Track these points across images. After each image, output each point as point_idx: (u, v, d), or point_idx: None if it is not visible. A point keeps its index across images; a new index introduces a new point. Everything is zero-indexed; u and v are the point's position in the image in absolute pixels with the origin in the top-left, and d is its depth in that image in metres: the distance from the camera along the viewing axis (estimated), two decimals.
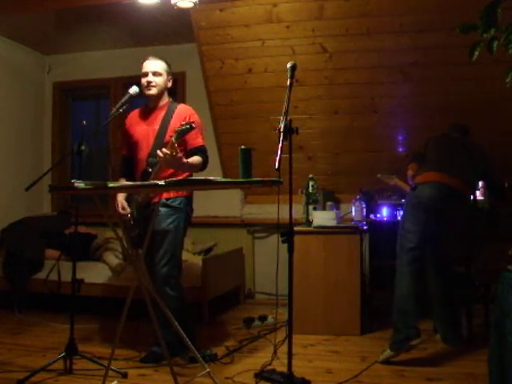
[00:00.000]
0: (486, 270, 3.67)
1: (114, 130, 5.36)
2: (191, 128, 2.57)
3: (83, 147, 2.92)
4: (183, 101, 5.05)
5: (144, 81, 3.16)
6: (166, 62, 3.23)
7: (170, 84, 3.24)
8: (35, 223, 4.74)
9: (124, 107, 3.03)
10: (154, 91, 3.16)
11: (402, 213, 3.53)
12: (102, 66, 5.38)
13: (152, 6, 3.97)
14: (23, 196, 3.61)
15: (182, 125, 2.59)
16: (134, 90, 3.09)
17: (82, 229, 4.49)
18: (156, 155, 2.79)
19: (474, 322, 3.50)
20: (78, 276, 3.04)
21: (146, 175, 3.01)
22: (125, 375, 2.83)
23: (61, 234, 4.64)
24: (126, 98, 3.04)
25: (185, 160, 2.84)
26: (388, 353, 3.07)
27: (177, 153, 2.68)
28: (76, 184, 2.33)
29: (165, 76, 3.19)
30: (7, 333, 3.81)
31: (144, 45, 5.12)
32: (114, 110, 3.03)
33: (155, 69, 3.16)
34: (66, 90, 5.69)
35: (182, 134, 2.60)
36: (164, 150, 2.66)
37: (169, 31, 4.80)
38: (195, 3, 3.78)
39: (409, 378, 2.83)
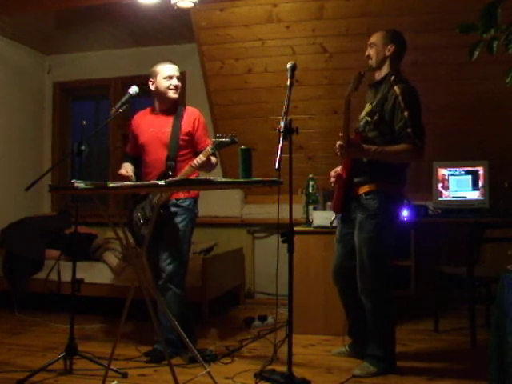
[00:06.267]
0: (486, 270, 3.67)
1: (113, 129, 5.36)
2: (233, 142, 2.74)
3: (83, 147, 2.92)
4: (183, 101, 5.05)
5: (169, 84, 3.18)
6: None
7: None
8: (35, 223, 4.74)
9: (124, 107, 3.04)
10: (177, 95, 3.22)
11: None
12: (102, 66, 5.38)
13: (152, 5, 3.97)
14: (23, 196, 3.61)
15: (222, 136, 2.78)
16: (133, 89, 3.10)
17: (82, 229, 4.48)
18: (174, 159, 3.13)
19: (475, 322, 3.49)
20: (78, 276, 3.05)
21: (166, 178, 3.04)
22: (125, 375, 2.82)
23: (61, 234, 4.64)
24: (125, 97, 3.05)
25: (211, 162, 3.07)
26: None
27: (210, 159, 2.98)
28: (76, 184, 2.33)
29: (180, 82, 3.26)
30: (7, 333, 3.81)
31: (144, 45, 5.12)
32: (113, 110, 3.05)
33: (178, 73, 3.23)
34: (66, 90, 5.69)
35: (221, 146, 2.82)
36: (201, 157, 2.92)
37: (169, 31, 4.80)
38: (195, 3, 3.77)
39: (409, 377, 2.82)
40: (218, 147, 2.82)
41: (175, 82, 3.19)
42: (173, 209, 3.15)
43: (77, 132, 5.50)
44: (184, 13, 4.13)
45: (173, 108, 3.24)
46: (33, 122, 5.51)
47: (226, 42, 4.41)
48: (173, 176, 3.04)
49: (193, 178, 3.10)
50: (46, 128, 5.64)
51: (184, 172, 3.00)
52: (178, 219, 3.16)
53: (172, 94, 3.19)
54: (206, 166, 3.02)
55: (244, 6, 4.19)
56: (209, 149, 2.86)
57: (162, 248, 3.13)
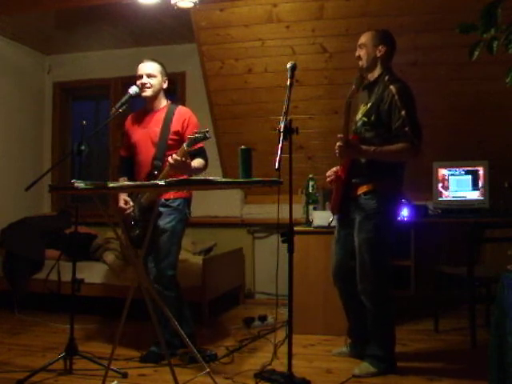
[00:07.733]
0: (486, 270, 3.67)
1: (113, 129, 5.36)
2: (205, 138, 2.61)
3: (83, 147, 2.92)
4: (183, 101, 5.06)
5: (139, 83, 3.19)
6: (161, 64, 3.24)
7: (165, 85, 3.26)
8: (35, 223, 4.74)
9: (124, 107, 3.05)
10: (148, 92, 3.19)
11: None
12: (102, 66, 5.38)
13: (152, 5, 3.97)
14: (23, 196, 3.60)
15: (195, 133, 2.64)
16: (133, 89, 3.12)
17: (82, 229, 4.48)
18: (161, 158, 3.01)
19: (475, 322, 3.49)
20: (78, 276, 3.05)
21: (152, 178, 3.02)
22: (125, 375, 2.82)
23: (61, 234, 4.64)
24: (125, 97, 3.07)
25: (192, 165, 2.95)
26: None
27: (186, 159, 2.81)
28: (76, 184, 2.33)
29: (159, 77, 3.21)
30: (7, 333, 3.81)
31: (144, 45, 5.12)
32: (113, 109, 3.05)
33: (149, 71, 3.19)
34: (66, 90, 5.69)
35: (195, 142, 2.66)
36: (175, 156, 2.76)
37: (169, 31, 4.80)
38: (195, 3, 3.78)
39: (409, 377, 2.82)
40: (192, 144, 2.70)
41: (144, 80, 3.18)
42: (161, 209, 3.10)
43: (77, 132, 5.50)
44: (184, 13, 4.13)
45: (157, 106, 3.23)
46: (33, 122, 5.51)
47: (226, 41, 4.41)
48: (158, 176, 2.98)
49: (193, 178, 3.09)
50: (46, 128, 5.64)
51: (162, 174, 2.91)
52: (166, 219, 3.11)
53: (142, 93, 3.18)
54: (183, 167, 2.85)
55: (244, 5, 4.19)
56: (184, 145, 2.73)
57: (150, 249, 3.07)
